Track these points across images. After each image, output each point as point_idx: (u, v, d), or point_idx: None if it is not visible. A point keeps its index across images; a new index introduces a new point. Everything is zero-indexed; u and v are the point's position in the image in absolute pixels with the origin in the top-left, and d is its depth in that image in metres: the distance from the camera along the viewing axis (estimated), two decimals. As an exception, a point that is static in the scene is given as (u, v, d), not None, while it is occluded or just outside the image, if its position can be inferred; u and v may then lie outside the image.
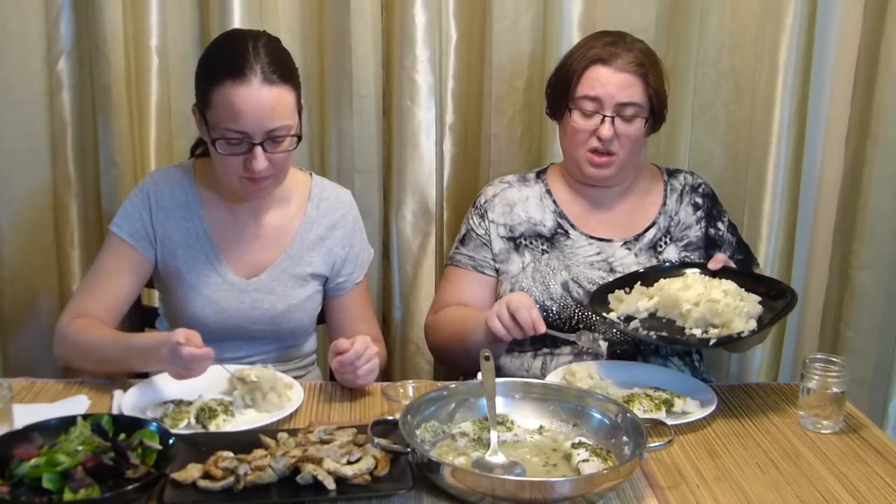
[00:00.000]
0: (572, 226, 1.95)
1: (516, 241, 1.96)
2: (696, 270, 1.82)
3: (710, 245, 1.97)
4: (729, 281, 1.74)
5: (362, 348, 1.63)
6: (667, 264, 1.89)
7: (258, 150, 1.65)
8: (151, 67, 2.25)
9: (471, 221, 2.01)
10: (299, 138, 1.71)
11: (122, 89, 2.22)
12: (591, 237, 1.94)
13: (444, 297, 2.02)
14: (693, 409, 1.58)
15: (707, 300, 1.65)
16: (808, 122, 2.36)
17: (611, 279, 1.87)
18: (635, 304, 1.72)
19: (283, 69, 1.68)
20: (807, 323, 2.56)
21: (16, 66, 2.24)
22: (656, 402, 1.57)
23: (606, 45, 1.88)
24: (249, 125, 1.63)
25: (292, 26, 2.30)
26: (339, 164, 2.34)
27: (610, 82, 1.85)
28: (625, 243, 1.94)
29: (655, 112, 1.91)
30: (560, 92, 1.93)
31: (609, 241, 1.94)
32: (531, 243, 1.94)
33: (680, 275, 1.79)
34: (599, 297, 1.80)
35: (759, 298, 1.72)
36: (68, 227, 2.32)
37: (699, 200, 2.00)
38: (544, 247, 1.94)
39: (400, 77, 2.29)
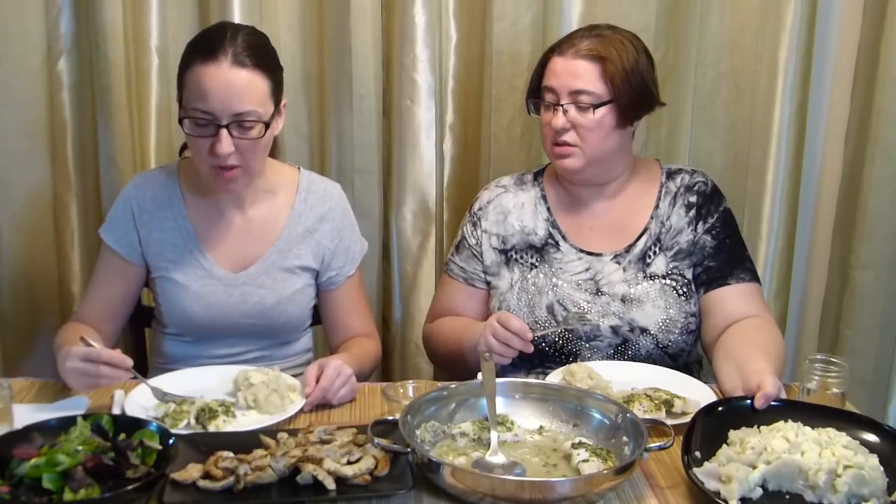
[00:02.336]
0: (563, 237, 1.90)
1: (507, 255, 1.92)
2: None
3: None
4: (831, 429, 1.39)
5: (329, 382, 1.60)
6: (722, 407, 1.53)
7: (223, 132, 1.64)
8: (151, 67, 2.25)
9: (465, 228, 1.99)
10: (267, 126, 1.69)
11: (122, 89, 2.23)
12: (581, 251, 1.89)
13: (437, 307, 2.02)
14: (693, 410, 1.57)
15: (847, 465, 1.30)
16: (808, 122, 2.36)
17: (595, 303, 1.83)
18: (746, 479, 1.29)
19: (257, 56, 1.68)
20: (807, 323, 2.56)
21: (16, 66, 2.24)
22: (656, 402, 1.56)
23: (576, 37, 1.82)
24: (215, 105, 1.63)
25: (292, 26, 2.31)
26: (339, 164, 2.35)
27: (563, 71, 1.79)
28: (614, 257, 1.87)
29: (622, 103, 1.79)
30: (530, 88, 1.90)
31: (599, 255, 1.88)
32: (521, 257, 1.91)
33: (753, 421, 1.44)
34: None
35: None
36: (68, 227, 2.32)
37: (692, 199, 1.89)
38: (533, 260, 1.90)
39: (400, 77, 2.29)
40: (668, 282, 1.85)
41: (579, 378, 1.64)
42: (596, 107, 1.78)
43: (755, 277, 1.89)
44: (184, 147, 1.93)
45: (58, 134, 2.28)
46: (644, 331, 1.83)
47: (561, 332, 1.84)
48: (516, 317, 1.70)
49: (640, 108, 1.85)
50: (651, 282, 1.85)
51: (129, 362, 1.52)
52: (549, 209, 1.94)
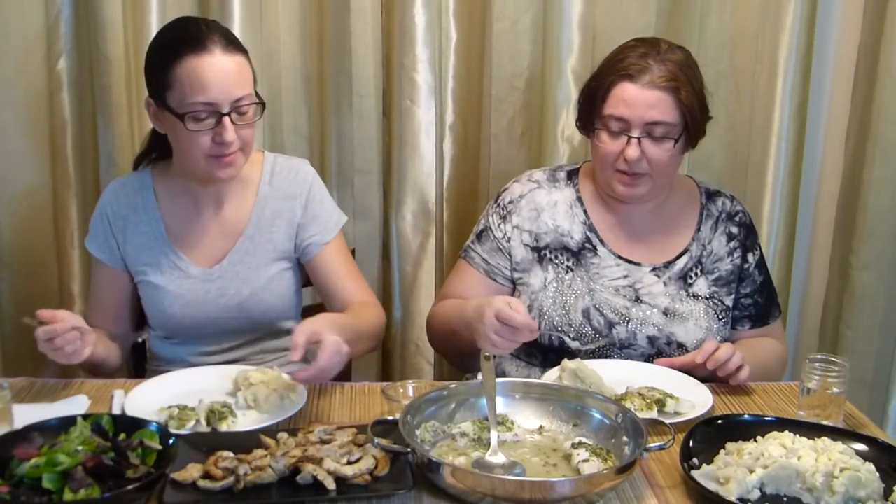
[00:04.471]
0: (601, 241, 1.86)
1: (541, 253, 1.86)
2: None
3: (738, 279, 1.88)
4: (826, 438, 1.41)
5: (328, 363, 1.50)
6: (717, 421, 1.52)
7: (227, 120, 1.65)
8: (151, 67, 2.25)
9: (490, 219, 1.91)
10: (264, 106, 1.72)
11: (122, 89, 2.23)
12: (620, 257, 1.85)
13: (449, 290, 1.94)
14: (686, 410, 1.56)
15: (844, 468, 1.31)
16: (808, 122, 2.36)
17: (635, 309, 1.81)
18: (744, 480, 1.30)
19: (236, 41, 1.72)
20: (807, 323, 2.56)
21: (16, 66, 2.24)
22: (648, 401, 1.55)
23: (639, 57, 1.74)
24: (217, 94, 1.64)
25: (292, 26, 2.31)
26: (339, 164, 2.35)
27: (637, 101, 1.72)
28: (654, 269, 1.84)
29: (690, 128, 1.77)
30: (588, 108, 1.83)
31: (638, 264, 1.85)
32: (556, 257, 1.85)
33: (751, 434, 1.44)
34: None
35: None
36: (68, 227, 2.32)
37: (734, 230, 1.89)
38: (569, 263, 1.84)
39: (400, 77, 2.29)
40: (710, 304, 1.85)
41: (569, 374, 1.62)
42: (675, 140, 1.75)
43: (780, 310, 1.96)
44: (138, 160, 1.90)
45: (58, 134, 2.28)
46: (681, 346, 1.81)
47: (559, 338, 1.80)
48: (518, 311, 1.55)
49: (704, 128, 1.83)
50: (695, 301, 1.84)
51: (64, 322, 1.52)
52: (585, 212, 1.88)
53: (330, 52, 2.29)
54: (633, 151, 1.73)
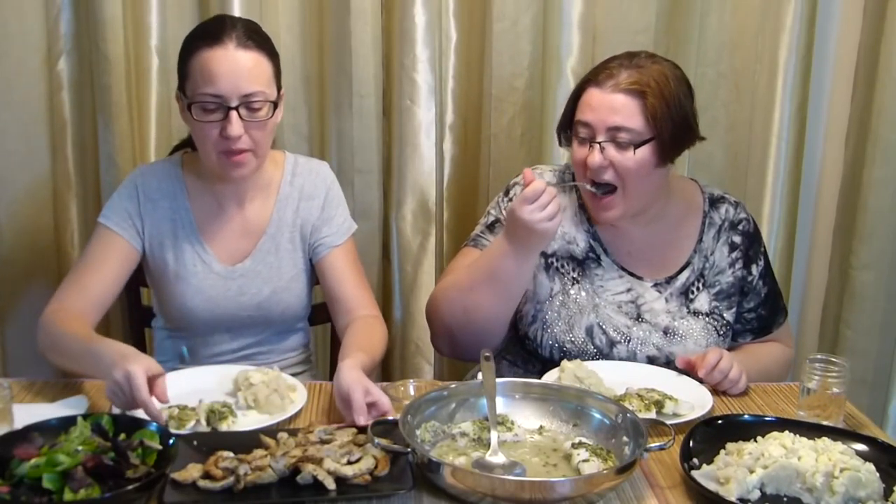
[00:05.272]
0: (605, 251, 1.81)
1: (548, 261, 1.82)
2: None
3: (741, 293, 1.84)
4: (826, 438, 1.41)
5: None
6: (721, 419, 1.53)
7: (233, 114, 1.66)
8: (151, 67, 2.26)
9: (503, 212, 1.84)
10: (275, 105, 1.72)
11: (122, 89, 2.23)
12: (623, 269, 1.81)
13: (453, 270, 1.87)
14: (684, 412, 1.56)
15: (844, 468, 1.31)
16: (808, 123, 2.36)
17: (636, 329, 1.78)
18: (744, 480, 1.30)
19: (259, 38, 1.71)
20: (807, 323, 2.56)
21: (16, 66, 2.24)
22: (646, 402, 1.55)
23: (615, 66, 1.69)
24: (224, 87, 1.65)
25: (292, 26, 2.31)
26: (339, 164, 2.35)
27: (601, 105, 1.67)
28: (655, 284, 1.81)
29: (662, 138, 1.67)
30: (563, 120, 1.79)
31: (640, 278, 1.81)
32: (563, 266, 1.81)
33: (751, 434, 1.44)
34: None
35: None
36: (68, 227, 2.33)
37: (736, 240, 1.84)
38: (575, 274, 1.80)
39: (400, 77, 2.29)
40: (710, 321, 1.81)
41: (568, 375, 1.62)
42: (636, 146, 1.66)
43: (786, 312, 1.93)
44: (178, 146, 1.94)
45: (58, 133, 2.28)
46: None
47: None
48: (522, 194, 1.59)
49: (681, 145, 1.74)
50: (695, 318, 1.81)
51: (161, 418, 1.43)
52: (588, 220, 1.84)
53: (330, 52, 2.29)
54: (594, 157, 1.67)
